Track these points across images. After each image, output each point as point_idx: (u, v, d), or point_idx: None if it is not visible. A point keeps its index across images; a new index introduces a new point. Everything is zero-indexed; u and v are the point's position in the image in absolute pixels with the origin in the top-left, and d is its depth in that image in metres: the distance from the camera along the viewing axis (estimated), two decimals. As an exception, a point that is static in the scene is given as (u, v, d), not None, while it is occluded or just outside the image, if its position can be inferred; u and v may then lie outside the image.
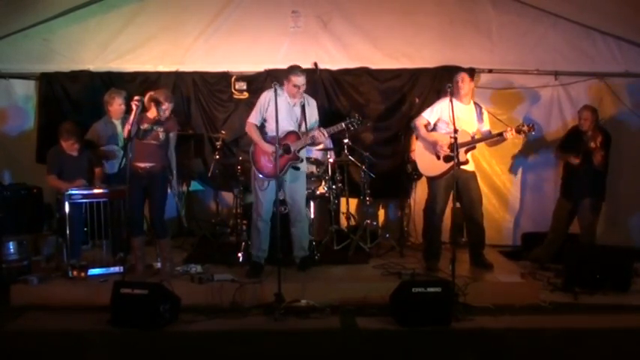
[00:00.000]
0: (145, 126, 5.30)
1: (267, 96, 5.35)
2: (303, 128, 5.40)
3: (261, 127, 5.45)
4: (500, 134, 5.52)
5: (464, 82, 5.60)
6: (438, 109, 5.62)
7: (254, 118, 5.44)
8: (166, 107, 5.34)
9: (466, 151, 5.60)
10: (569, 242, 6.01)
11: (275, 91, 5.01)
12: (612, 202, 6.72)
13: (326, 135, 5.37)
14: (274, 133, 5.08)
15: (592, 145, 5.82)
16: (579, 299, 5.29)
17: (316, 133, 5.30)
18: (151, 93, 5.36)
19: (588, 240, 6.01)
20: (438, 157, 5.57)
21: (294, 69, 5.34)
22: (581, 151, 5.92)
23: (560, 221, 6.19)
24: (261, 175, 5.40)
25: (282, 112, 5.24)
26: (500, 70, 6.79)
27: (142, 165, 5.32)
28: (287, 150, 5.33)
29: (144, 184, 5.35)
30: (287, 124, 5.36)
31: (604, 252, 5.71)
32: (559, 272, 5.79)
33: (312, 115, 5.50)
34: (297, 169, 5.42)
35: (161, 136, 5.33)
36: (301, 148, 5.39)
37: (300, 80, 5.27)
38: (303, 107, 5.42)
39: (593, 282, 5.46)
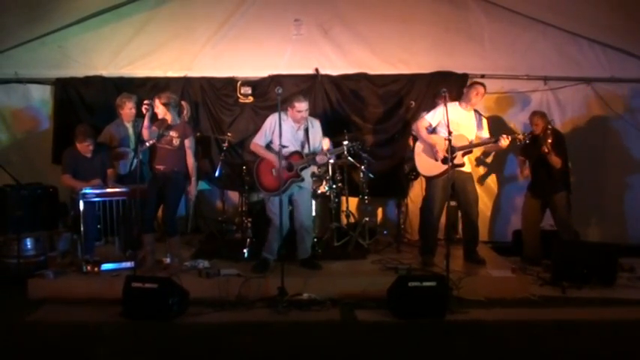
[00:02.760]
0: (160, 130, 5.33)
1: (272, 119, 5.37)
2: (306, 150, 5.43)
3: (268, 148, 5.46)
4: (496, 141, 5.50)
5: (478, 96, 5.59)
6: (440, 113, 5.55)
7: (260, 140, 5.44)
8: (162, 111, 5.33)
9: (463, 155, 5.60)
10: (555, 239, 6.01)
11: (278, 94, 5.02)
12: (600, 201, 6.75)
13: (328, 156, 5.49)
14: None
15: (544, 149, 5.82)
16: (567, 293, 5.30)
17: (319, 156, 5.38)
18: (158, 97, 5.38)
19: (569, 234, 6.02)
20: (437, 159, 5.57)
21: (296, 95, 5.43)
22: (539, 154, 5.93)
23: (533, 220, 6.21)
24: (264, 191, 5.43)
25: (286, 135, 5.29)
26: (492, 76, 6.77)
27: (157, 167, 5.38)
28: (290, 168, 5.34)
29: (159, 184, 5.38)
30: (291, 147, 5.39)
31: (590, 248, 5.71)
32: (548, 267, 5.79)
33: (316, 136, 5.52)
34: (299, 187, 5.44)
35: (175, 141, 5.33)
36: (303, 168, 5.40)
37: (303, 105, 5.31)
38: (306, 130, 5.45)
39: (581, 277, 5.46)
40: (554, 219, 6.14)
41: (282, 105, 5.06)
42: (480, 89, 5.59)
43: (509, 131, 5.98)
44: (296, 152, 5.41)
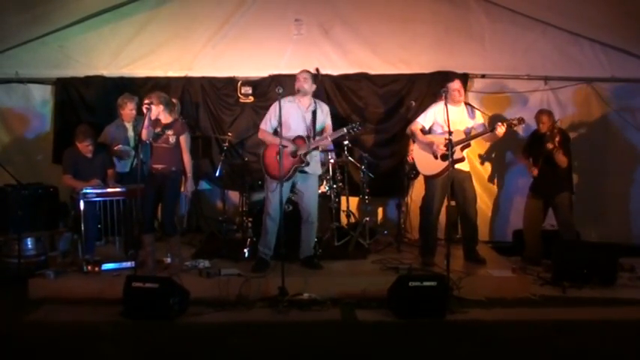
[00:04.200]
0: (157, 130, 5.32)
1: (277, 105, 5.28)
2: (313, 132, 5.39)
3: (274, 134, 5.42)
4: (492, 130, 5.52)
5: (457, 91, 5.60)
6: (432, 113, 5.64)
7: (265, 125, 5.42)
8: (155, 111, 5.27)
9: (462, 149, 5.60)
10: (556, 239, 6.00)
11: (279, 94, 5.00)
12: (600, 200, 6.74)
13: (330, 140, 5.39)
14: (286, 139, 5.16)
15: (550, 145, 5.81)
16: (567, 293, 5.29)
17: (322, 141, 5.33)
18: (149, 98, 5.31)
19: (570, 234, 6.01)
20: (436, 157, 5.57)
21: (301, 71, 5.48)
22: (545, 153, 5.92)
23: (534, 220, 6.18)
24: (269, 178, 5.40)
25: (293, 117, 5.30)
26: (493, 76, 6.78)
27: (156, 166, 5.36)
28: (293, 154, 5.32)
29: (157, 184, 5.36)
30: (298, 130, 5.36)
31: (591, 248, 5.70)
32: (548, 267, 5.79)
33: (323, 120, 5.49)
34: (304, 172, 5.39)
35: (171, 139, 5.33)
36: (307, 153, 5.35)
37: (303, 74, 5.35)
38: (314, 113, 5.41)
39: (581, 276, 5.45)
40: (557, 219, 6.12)
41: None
42: (454, 85, 5.60)
43: (505, 120, 5.93)
44: (299, 137, 5.35)
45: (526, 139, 6.40)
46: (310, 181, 5.49)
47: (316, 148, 5.42)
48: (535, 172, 6.06)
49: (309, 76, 5.42)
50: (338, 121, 6.62)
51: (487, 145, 5.94)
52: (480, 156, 6.81)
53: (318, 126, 5.42)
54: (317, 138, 5.35)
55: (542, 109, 6.21)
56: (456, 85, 5.62)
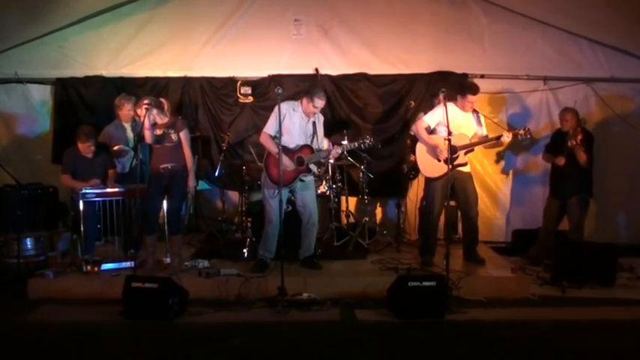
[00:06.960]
0: (158, 132, 5.33)
1: (282, 109, 5.17)
2: (315, 143, 5.41)
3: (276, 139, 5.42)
4: (498, 138, 5.52)
5: (471, 103, 5.55)
6: (438, 114, 5.55)
7: (269, 129, 5.36)
8: (152, 116, 5.32)
9: (465, 153, 5.60)
10: (557, 238, 6.00)
11: (278, 94, 4.99)
12: (600, 200, 6.71)
13: (340, 152, 5.45)
14: (289, 146, 5.21)
15: (572, 142, 5.78)
16: (567, 293, 5.29)
17: (333, 150, 5.38)
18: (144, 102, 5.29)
19: (577, 235, 5.99)
20: (439, 160, 5.56)
21: (318, 90, 5.35)
22: (566, 151, 5.90)
23: (551, 219, 6.17)
24: (272, 183, 5.36)
25: (296, 127, 5.32)
26: (492, 76, 6.78)
27: (164, 166, 5.35)
28: (300, 162, 5.32)
29: (165, 183, 5.37)
30: (300, 139, 5.37)
31: (591, 248, 5.68)
32: (548, 267, 5.79)
33: (321, 130, 5.52)
34: (302, 180, 5.41)
35: (173, 137, 5.35)
36: (313, 163, 5.38)
37: (322, 103, 5.31)
38: (314, 123, 5.44)
39: (581, 276, 5.45)
40: (568, 218, 6.09)
41: (298, 95, 5.03)
42: (472, 98, 5.53)
43: (510, 128, 5.94)
44: (306, 146, 5.37)
45: (549, 138, 6.36)
46: (311, 186, 5.53)
47: (326, 156, 5.46)
48: (562, 161, 5.93)
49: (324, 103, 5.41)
50: (337, 122, 6.67)
51: (488, 146, 5.92)
52: (481, 156, 6.80)
53: (320, 136, 5.45)
54: (327, 150, 5.40)
55: (566, 107, 6.16)
56: (474, 98, 5.53)
